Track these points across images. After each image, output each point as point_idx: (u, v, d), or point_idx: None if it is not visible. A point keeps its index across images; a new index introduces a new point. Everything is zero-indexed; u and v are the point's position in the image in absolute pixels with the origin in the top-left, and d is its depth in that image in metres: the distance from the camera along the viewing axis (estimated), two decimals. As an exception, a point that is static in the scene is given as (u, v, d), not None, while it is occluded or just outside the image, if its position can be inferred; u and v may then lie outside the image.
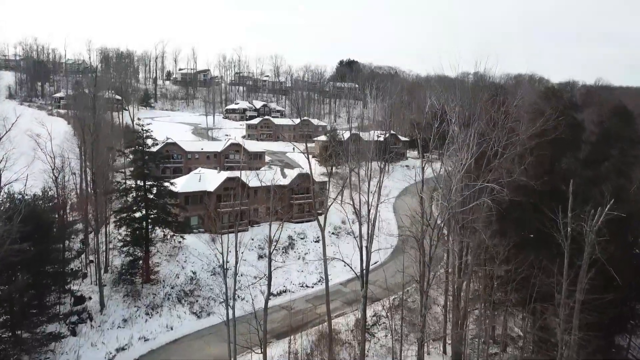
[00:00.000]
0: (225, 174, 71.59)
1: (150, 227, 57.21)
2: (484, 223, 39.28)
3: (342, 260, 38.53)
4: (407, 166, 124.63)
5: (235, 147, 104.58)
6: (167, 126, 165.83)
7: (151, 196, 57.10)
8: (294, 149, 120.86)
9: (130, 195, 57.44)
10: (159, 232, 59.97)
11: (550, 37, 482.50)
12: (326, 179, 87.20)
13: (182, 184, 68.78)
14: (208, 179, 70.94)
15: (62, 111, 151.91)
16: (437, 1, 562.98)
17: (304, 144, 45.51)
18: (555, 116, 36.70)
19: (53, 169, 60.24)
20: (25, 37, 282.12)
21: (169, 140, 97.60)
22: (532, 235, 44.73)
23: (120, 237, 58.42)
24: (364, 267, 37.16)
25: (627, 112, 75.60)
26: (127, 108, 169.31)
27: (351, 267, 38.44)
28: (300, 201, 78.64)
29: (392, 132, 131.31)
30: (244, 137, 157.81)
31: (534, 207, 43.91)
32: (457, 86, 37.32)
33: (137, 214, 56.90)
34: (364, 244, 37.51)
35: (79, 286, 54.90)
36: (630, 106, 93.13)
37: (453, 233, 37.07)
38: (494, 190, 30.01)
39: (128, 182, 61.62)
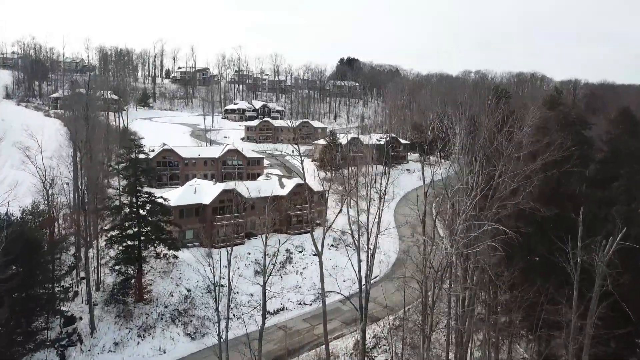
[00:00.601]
0: (222, 186, 69.75)
1: (143, 244, 55.46)
2: (489, 248, 37.56)
3: (340, 293, 36.76)
4: (407, 170, 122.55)
5: (233, 153, 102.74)
6: (166, 127, 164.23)
7: (144, 213, 55.31)
8: (293, 151, 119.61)
9: (123, 212, 55.61)
10: (152, 248, 58.15)
11: (550, 37, 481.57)
12: (326, 183, 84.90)
13: (177, 197, 67.04)
14: (204, 191, 69.19)
15: (59, 112, 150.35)
16: (437, 1, 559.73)
17: (303, 150, 43.68)
18: (567, 147, 34.87)
19: (44, 182, 58.49)
20: (23, 35, 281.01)
21: (166, 147, 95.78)
22: (537, 259, 43.02)
23: (112, 255, 56.71)
24: (363, 301, 35.34)
25: (634, 120, 72.98)
26: (125, 109, 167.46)
27: (350, 301, 36.72)
28: (298, 212, 76.76)
29: (392, 135, 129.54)
30: (242, 139, 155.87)
31: (540, 230, 42.14)
32: (460, 109, 35.35)
33: (130, 231, 55.12)
34: (363, 274, 35.77)
35: (70, 306, 53.32)
36: (633, 106, 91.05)
37: (457, 277, 35.26)
38: (504, 231, 28.15)
39: (121, 197, 59.74)
